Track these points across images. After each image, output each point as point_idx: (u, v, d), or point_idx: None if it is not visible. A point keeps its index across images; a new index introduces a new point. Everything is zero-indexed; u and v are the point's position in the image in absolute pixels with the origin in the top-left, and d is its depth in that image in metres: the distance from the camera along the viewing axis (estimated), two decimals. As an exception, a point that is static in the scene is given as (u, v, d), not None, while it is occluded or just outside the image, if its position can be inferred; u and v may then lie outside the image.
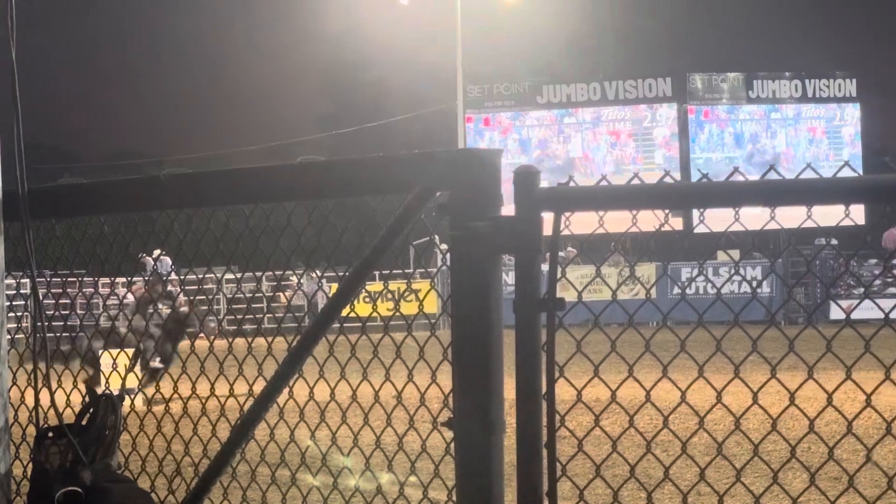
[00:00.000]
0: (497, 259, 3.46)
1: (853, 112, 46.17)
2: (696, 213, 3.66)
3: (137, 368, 16.65)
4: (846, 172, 3.32)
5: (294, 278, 27.62)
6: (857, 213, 33.71)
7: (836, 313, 32.06)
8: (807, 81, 45.91)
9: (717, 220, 3.62)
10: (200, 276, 5.65)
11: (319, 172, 4.16)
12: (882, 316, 3.57)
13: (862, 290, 33.74)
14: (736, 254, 35.38)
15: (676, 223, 37.60)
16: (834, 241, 36.72)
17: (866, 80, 47.93)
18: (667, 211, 3.47)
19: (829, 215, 3.40)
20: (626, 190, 3.44)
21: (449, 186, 3.55)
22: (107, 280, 6.20)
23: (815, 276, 34.78)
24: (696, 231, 34.86)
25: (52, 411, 4.76)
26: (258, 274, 5.06)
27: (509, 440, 3.50)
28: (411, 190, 3.77)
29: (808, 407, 3.71)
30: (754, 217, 3.20)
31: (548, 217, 3.45)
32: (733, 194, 3.32)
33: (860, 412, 3.59)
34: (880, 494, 3.49)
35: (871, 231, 39.49)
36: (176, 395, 5.40)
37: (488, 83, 45.84)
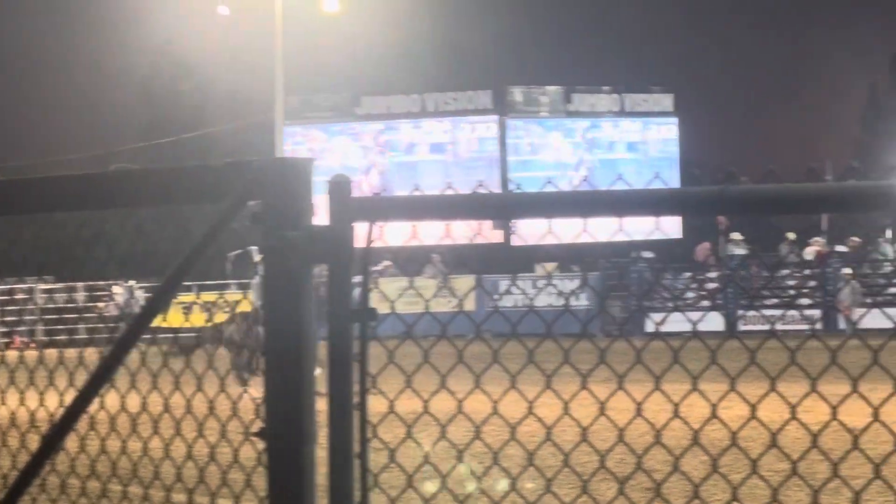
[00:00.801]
0: (309, 269, 3.44)
1: (671, 126, 47.19)
2: (526, 225, 3.68)
3: None
4: (658, 185, 3.37)
5: (114, 288, 27.24)
6: (675, 227, 34.44)
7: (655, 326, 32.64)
8: (625, 96, 46.78)
9: (536, 234, 3.65)
10: (9, 287, 5.51)
11: (135, 181, 4.10)
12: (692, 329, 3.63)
13: (679, 303, 34.45)
14: (554, 266, 35.85)
15: (497, 236, 37.94)
16: (649, 254, 37.38)
17: (684, 95, 49.05)
18: (486, 222, 3.49)
19: (646, 228, 3.44)
20: (439, 199, 3.44)
21: (262, 196, 3.52)
22: None
23: (629, 288, 35.42)
24: (515, 244, 35.29)
25: None
26: (72, 284, 4.96)
27: (323, 451, 3.47)
28: (226, 199, 3.73)
29: (619, 417, 3.75)
30: (573, 230, 3.23)
31: (363, 227, 3.44)
32: (546, 205, 3.35)
33: (668, 422, 3.65)
34: None
35: (684, 244, 40.45)
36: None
37: (308, 94, 45.74)
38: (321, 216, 3.45)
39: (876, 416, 3.36)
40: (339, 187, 3.41)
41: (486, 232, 38.04)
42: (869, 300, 35.02)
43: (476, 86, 46.10)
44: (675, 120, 47.38)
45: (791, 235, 40.30)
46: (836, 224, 41.59)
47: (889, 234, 40.32)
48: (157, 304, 3.97)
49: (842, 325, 33.78)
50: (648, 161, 45.80)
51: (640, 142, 46.60)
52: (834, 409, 3.33)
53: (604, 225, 3.32)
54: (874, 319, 29.39)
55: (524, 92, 45.55)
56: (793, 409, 3.41)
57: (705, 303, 35.50)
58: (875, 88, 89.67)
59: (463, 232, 3.49)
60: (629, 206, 3.23)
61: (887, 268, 39.01)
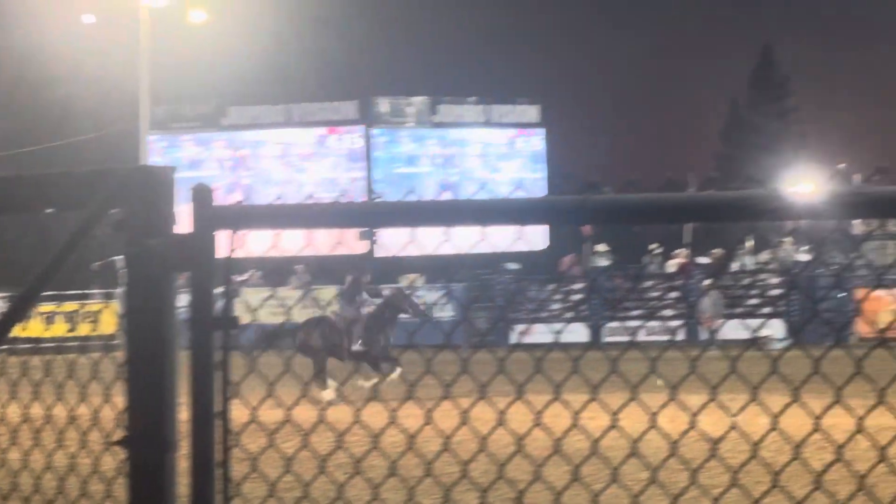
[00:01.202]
0: (172, 277, 3.41)
1: (537, 137, 47.56)
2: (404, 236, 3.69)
3: None
4: (522, 194, 3.39)
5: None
6: (541, 239, 34.62)
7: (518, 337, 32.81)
8: (491, 106, 47.04)
9: (400, 245, 3.65)
10: None
11: (-4, 188, 4.02)
12: (560, 340, 3.67)
13: (544, 314, 34.68)
14: (418, 278, 35.88)
15: (362, 246, 37.87)
16: (514, 266, 37.55)
17: (551, 106, 49.49)
18: (350, 232, 3.49)
19: (510, 239, 3.46)
20: (301, 208, 3.44)
21: (124, 204, 3.48)
22: None
23: (493, 300, 35.57)
24: (379, 255, 35.30)
25: None
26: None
27: (186, 460, 3.44)
28: (88, 207, 3.68)
29: (483, 427, 3.78)
30: (436, 240, 3.24)
31: (226, 235, 3.42)
32: (408, 214, 3.36)
33: (529, 430, 3.68)
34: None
35: (549, 255, 40.76)
36: None
37: (174, 104, 45.29)
38: (185, 224, 3.42)
39: (734, 426, 3.42)
40: (200, 195, 3.38)
41: (350, 242, 37.98)
42: (729, 311, 35.58)
43: (342, 96, 46.04)
44: (541, 131, 47.75)
45: (655, 247, 40.85)
46: (699, 236, 42.23)
47: (750, 244, 41.03)
48: (17, 313, 3.90)
49: (703, 335, 34.28)
50: (515, 171, 46.09)
51: (506, 153, 46.87)
52: (693, 416, 3.38)
53: (469, 236, 3.34)
54: (734, 330, 29.94)
55: (390, 102, 45.59)
56: (653, 416, 3.45)
57: (569, 314, 35.80)
58: (736, 103, 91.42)
59: (326, 242, 3.48)
60: (492, 215, 3.25)
61: (747, 279, 39.69)
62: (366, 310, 20.06)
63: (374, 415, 3.84)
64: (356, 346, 19.28)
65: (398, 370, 18.79)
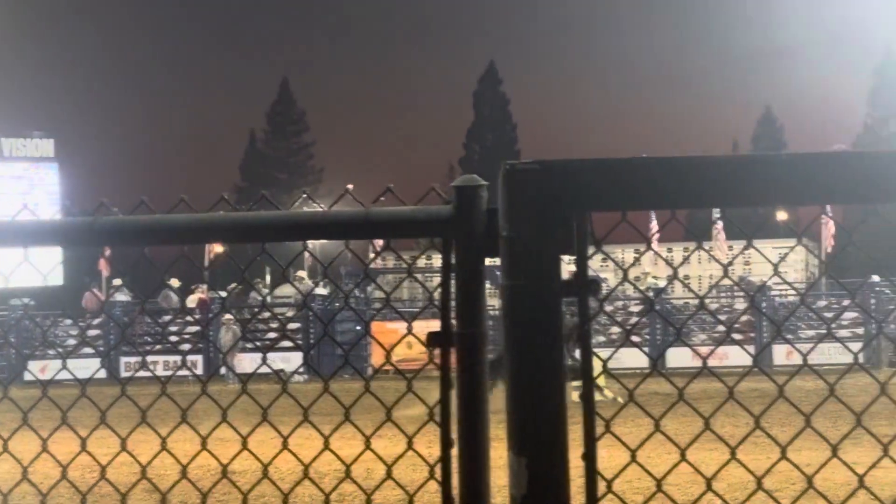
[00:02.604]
0: None
1: (50, 171, 46.57)
2: None
3: None
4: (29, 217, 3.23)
5: None
6: (55, 275, 33.59)
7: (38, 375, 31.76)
8: (3, 140, 45.70)
9: None
10: None
11: None
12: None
13: (59, 349, 33.73)
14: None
15: None
16: (28, 301, 36.29)
17: (64, 140, 48.52)
18: None
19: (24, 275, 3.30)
20: None
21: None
22: None
23: (7, 336, 34.30)
24: None
25: None
26: None
27: None
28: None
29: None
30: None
31: None
32: None
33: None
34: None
35: (66, 291, 39.73)
36: None
37: None
38: None
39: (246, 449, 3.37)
40: None
41: None
42: (249, 346, 35.78)
43: None
44: (55, 165, 46.81)
45: (174, 282, 40.61)
46: (214, 273, 42.22)
47: (268, 279, 41.46)
48: None
49: (223, 371, 34.24)
50: (29, 205, 44.75)
51: (20, 187, 45.53)
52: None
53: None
54: (252, 364, 30.09)
55: None
56: (164, 442, 3.37)
57: (87, 349, 35.02)
58: (254, 137, 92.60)
59: None
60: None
61: (265, 313, 40.00)
62: None
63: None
64: None
65: None
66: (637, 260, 2.69)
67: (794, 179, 2.37)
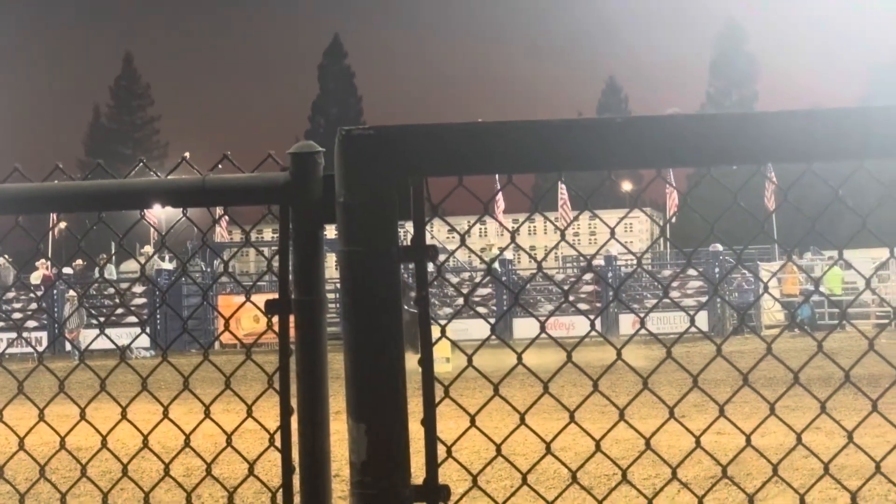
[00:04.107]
0: None
1: None
2: None
3: None
4: None
5: None
6: None
7: None
8: None
9: None
10: None
11: None
12: None
13: None
14: None
15: None
16: None
17: None
18: None
19: None
20: None
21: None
22: None
23: None
24: None
25: None
26: None
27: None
28: None
29: None
30: None
31: None
32: None
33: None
34: None
35: None
36: None
37: None
38: None
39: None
40: None
41: None
42: (94, 322, 35.24)
43: None
44: None
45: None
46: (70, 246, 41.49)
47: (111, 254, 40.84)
48: None
49: (69, 347, 33.71)
50: None
51: None
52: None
53: None
54: (102, 341, 29.70)
55: None
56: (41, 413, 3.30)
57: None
58: (98, 111, 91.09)
59: None
60: None
61: (111, 290, 39.49)
62: None
63: None
64: None
65: None
66: (471, 227, 2.66)
67: (628, 142, 2.39)
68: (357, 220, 2.39)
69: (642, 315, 28.05)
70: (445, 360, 21.87)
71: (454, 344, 3.37)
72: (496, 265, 42.21)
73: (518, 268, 44.12)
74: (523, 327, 37.88)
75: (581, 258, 41.19)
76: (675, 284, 40.19)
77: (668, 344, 2.83)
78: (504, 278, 39.19)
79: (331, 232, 2.57)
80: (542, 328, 2.68)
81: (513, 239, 2.53)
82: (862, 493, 2.81)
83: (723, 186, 2.89)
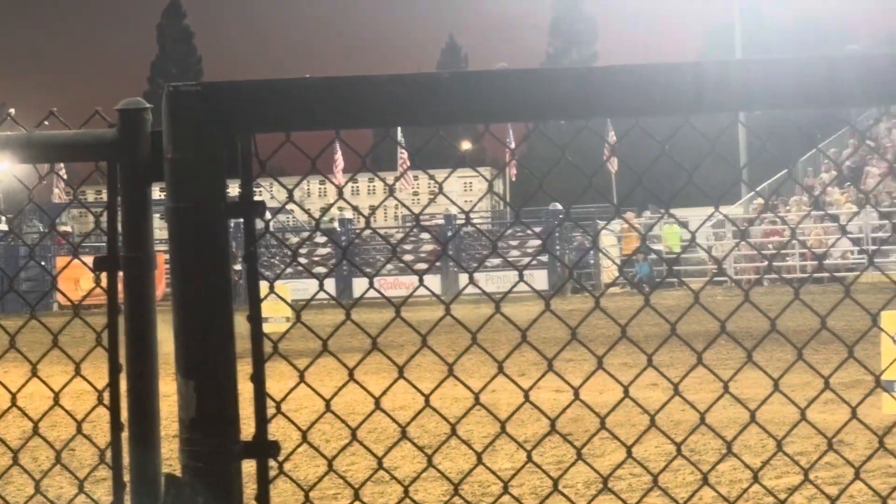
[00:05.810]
0: None
1: None
2: None
3: None
4: None
5: None
6: None
7: None
8: None
9: None
10: None
11: None
12: None
13: None
14: None
15: None
16: None
17: None
18: None
19: None
20: None
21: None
22: None
23: None
24: None
25: None
26: None
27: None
28: None
29: None
30: None
31: None
32: None
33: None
34: None
35: None
36: None
37: None
38: None
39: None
40: None
41: None
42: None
43: None
44: None
45: None
46: None
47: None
48: None
49: None
50: None
51: None
52: None
53: None
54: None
55: None
56: None
57: None
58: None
59: None
60: None
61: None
62: None
63: None
64: None
65: None
66: (297, 184, 2.64)
67: (457, 97, 2.41)
68: (184, 177, 2.38)
69: (475, 274, 28.24)
70: (285, 320, 21.77)
71: (283, 300, 3.38)
72: (336, 225, 42.16)
73: (357, 228, 44.10)
74: (363, 287, 37.88)
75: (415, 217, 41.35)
76: (514, 243, 40.51)
77: (500, 302, 2.87)
78: (343, 238, 39.15)
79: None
80: (371, 284, 2.70)
81: (340, 195, 2.53)
82: (744, 442, 2.90)
83: (552, 142, 2.92)
